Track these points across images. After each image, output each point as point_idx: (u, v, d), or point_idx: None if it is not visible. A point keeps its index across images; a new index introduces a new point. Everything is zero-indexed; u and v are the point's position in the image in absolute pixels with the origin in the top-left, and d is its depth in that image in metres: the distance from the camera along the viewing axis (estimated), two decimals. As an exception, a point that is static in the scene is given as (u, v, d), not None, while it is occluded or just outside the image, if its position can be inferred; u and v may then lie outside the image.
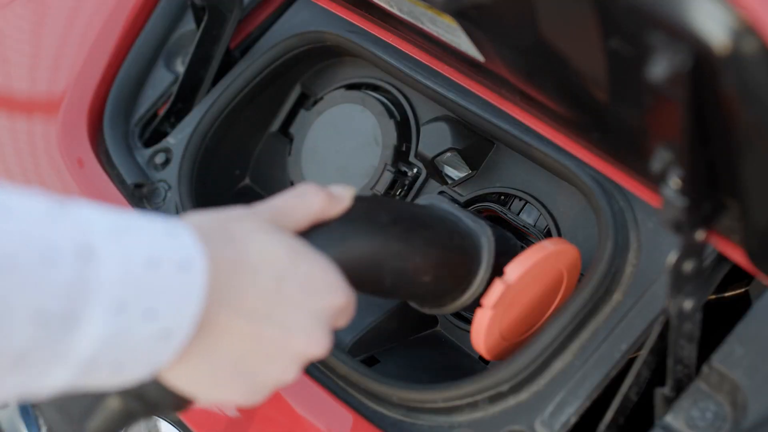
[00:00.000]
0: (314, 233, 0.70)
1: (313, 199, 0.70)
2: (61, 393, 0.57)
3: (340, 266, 0.68)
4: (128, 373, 0.57)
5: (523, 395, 0.80)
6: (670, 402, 0.76)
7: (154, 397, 0.63)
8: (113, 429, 0.65)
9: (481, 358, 0.93)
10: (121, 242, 0.55)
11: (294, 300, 0.63)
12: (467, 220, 0.82)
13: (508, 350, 0.85)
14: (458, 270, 0.80)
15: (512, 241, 0.86)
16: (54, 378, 0.54)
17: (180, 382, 0.61)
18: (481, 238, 0.81)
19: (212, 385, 0.62)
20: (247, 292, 0.61)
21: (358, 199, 0.73)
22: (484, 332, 0.81)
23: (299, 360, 0.65)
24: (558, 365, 0.80)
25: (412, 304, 0.86)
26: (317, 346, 0.65)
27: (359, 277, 0.71)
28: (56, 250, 0.53)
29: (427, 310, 0.84)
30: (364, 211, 0.74)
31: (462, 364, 0.94)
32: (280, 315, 0.62)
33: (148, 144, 1.08)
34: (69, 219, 0.54)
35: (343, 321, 0.69)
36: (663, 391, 0.76)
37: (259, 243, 0.63)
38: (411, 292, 0.80)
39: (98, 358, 0.54)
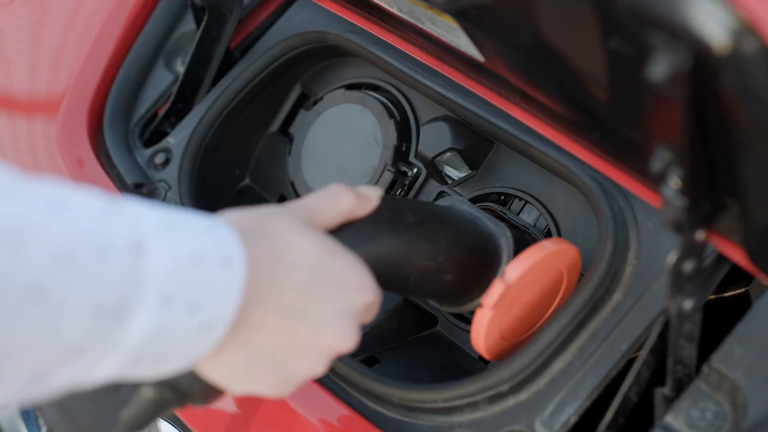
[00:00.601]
0: (344, 232, 0.72)
1: (343, 198, 0.72)
2: (107, 382, 0.58)
3: (367, 264, 0.69)
4: (170, 363, 0.58)
5: (523, 395, 0.80)
6: (670, 402, 0.76)
7: (187, 388, 0.65)
8: (147, 417, 0.67)
9: (481, 358, 0.93)
10: (168, 238, 0.57)
11: (325, 296, 0.65)
12: (487, 221, 0.84)
13: (508, 350, 0.85)
14: (479, 269, 0.81)
15: (530, 242, 0.86)
16: (103, 368, 0.56)
17: (214, 373, 0.63)
18: (501, 238, 0.82)
19: (245, 377, 0.64)
20: (282, 287, 0.63)
21: (385, 200, 0.75)
22: (484, 332, 0.81)
23: (328, 354, 0.67)
24: (558, 365, 0.80)
25: (432, 302, 0.87)
26: (346, 341, 0.67)
27: (385, 275, 0.73)
28: (111, 245, 0.54)
29: (446, 308, 0.86)
30: (391, 211, 0.76)
31: (462, 364, 0.94)
32: (312, 311, 0.64)
33: (148, 144, 1.08)
34: (121, 215, 0.56)
35: (369, 317, 0.71)
36: (663, 391, 0.76)
37: (294, 240, 0.64)
38: (433, 291, 0.81)
39: (145, 349, 0.56)
